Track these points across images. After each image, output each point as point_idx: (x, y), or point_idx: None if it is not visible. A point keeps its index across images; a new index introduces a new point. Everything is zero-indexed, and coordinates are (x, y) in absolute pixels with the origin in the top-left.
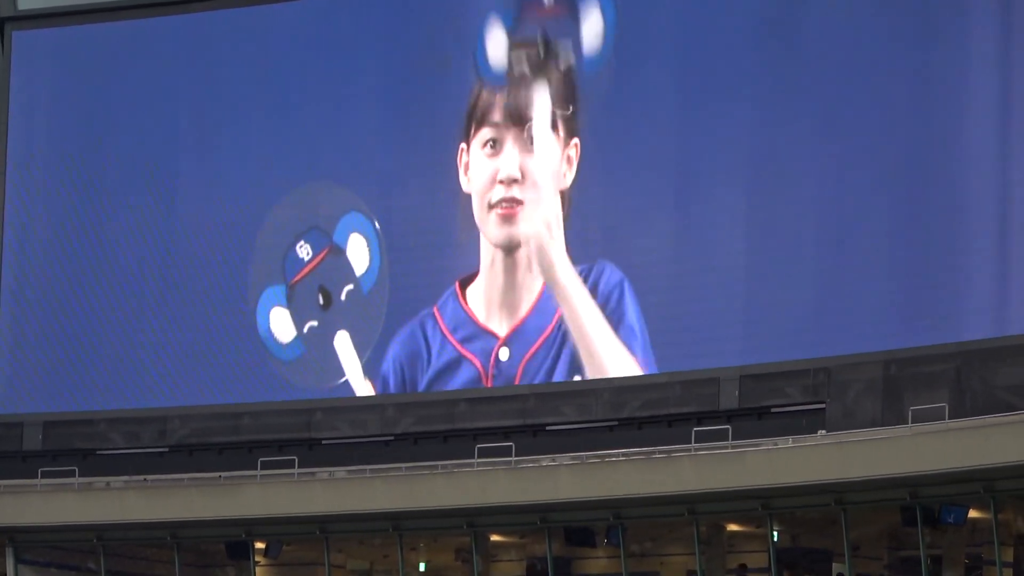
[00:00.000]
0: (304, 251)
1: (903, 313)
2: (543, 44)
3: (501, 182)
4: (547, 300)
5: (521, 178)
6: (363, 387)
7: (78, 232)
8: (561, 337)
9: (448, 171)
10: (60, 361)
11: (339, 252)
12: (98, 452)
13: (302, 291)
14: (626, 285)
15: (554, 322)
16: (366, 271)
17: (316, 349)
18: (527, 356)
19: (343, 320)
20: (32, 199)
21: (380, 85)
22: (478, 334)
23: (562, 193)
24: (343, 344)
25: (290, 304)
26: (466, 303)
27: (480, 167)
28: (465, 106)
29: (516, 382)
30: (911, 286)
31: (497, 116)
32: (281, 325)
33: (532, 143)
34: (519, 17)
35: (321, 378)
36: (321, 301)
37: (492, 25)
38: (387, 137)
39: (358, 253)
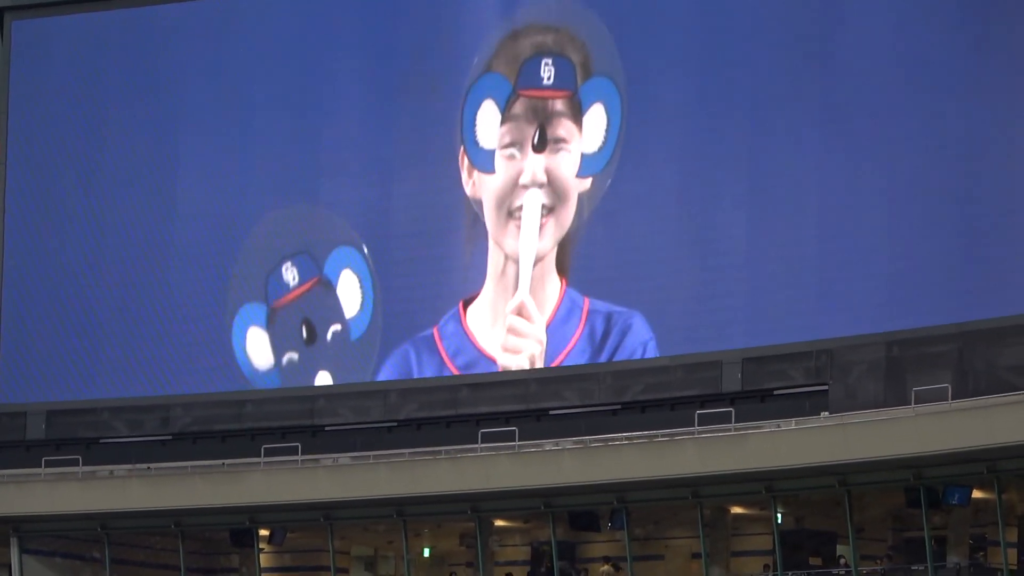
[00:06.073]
0: (290, 275)
1: (905, 294)
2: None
3: (524, 186)
4: (557, 327)
5: (547, 181)
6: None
7: (79, 220)
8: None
9: (447, 177)
10: (63, 350)
11: (328, 286)
12: (101, 441)
13: (284, 317)
14: (651, 346)
15: (562, 356)
16: (356, 315)
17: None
18: None
19: (326, 361)
20: (33, 188)
21: (375, 88)
22: (478, 360)
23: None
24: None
25: (270, 328)
26: (467, 323)
27: (498, 169)
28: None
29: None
30: (913, 267)
31: (518, 111)
32: (259, 349)
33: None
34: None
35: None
36: (305, 335)
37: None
38: (383, 136)
39: (349, 293)
